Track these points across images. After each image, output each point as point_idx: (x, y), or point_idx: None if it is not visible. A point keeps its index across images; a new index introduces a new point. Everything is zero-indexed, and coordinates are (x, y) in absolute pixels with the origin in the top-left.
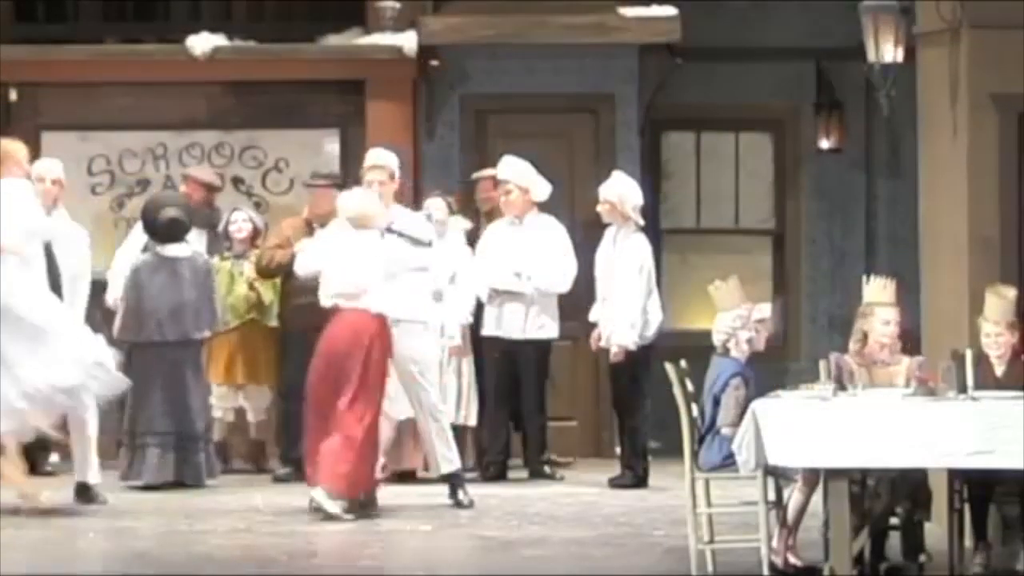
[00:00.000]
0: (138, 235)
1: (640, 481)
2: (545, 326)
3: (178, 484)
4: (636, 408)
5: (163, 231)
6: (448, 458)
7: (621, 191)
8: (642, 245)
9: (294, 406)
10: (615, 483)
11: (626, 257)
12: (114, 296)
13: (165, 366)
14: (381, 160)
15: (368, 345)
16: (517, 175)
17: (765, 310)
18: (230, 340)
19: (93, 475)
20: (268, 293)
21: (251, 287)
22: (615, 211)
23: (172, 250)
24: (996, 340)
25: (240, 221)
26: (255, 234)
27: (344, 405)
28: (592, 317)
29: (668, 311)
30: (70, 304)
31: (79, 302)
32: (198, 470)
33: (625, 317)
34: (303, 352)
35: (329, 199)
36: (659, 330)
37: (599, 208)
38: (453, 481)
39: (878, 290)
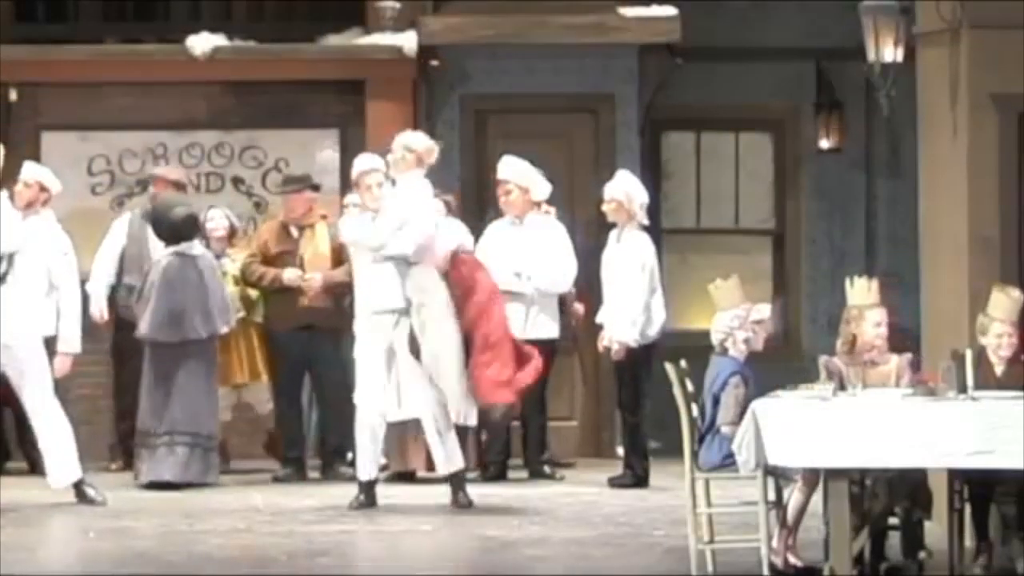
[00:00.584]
0: (112, 244)
1: (640, 481)
2: (544, 326)
3: (186, 484)
4: (637, 407)
5: (179, 229)
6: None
7: (628, 189)
8: (644, 243)
9: (288, 406)
10: (615, 483)
11: (628, 255)
12: (99, 307)
13: (190, 363)
14: (375, 163)
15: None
16: (517, 175)
17: (764, 311)
18: (224, 340)
19: (74, 472)
20: (253, 290)
21: (236, 282)
22: (621, 210)
23: (192, 248)
24: (1008, 341)
25: (217, 219)
26: (232, 232)
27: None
28: (600, 319)
29: (668, 311)
30: (64, 312)
31: (68, 311)
32: (214, 469)
33: (626, 314)
34: (292, 352)
35: (303, 202)
36: (662, 329)
37: (605, 207)
38: (454, 482)
39: (862, 292)
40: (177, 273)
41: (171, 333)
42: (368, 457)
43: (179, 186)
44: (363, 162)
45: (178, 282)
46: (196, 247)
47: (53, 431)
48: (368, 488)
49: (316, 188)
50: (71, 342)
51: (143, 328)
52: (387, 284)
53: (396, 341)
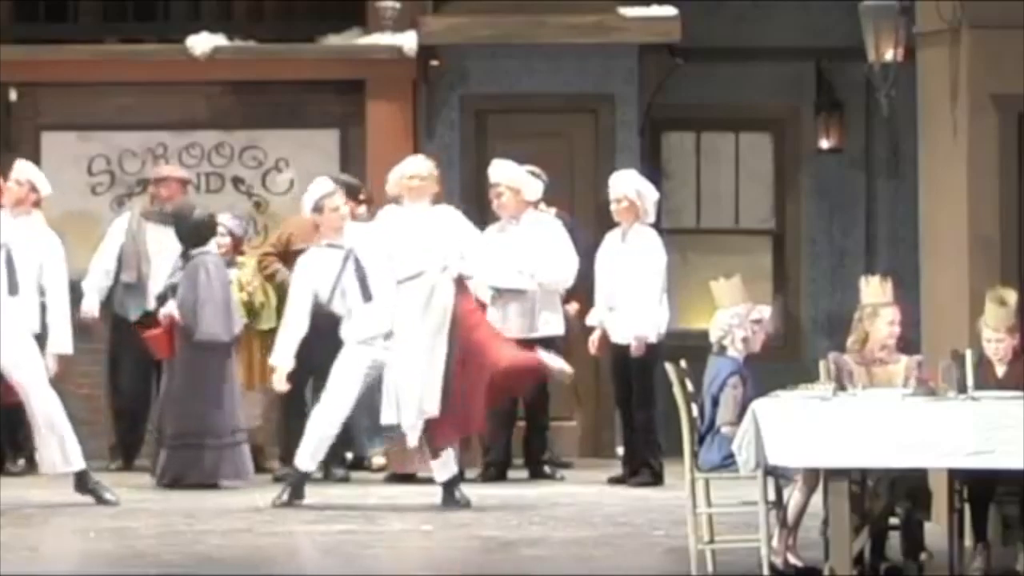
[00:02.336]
0: (111, 243)
1: (657, 478)
2: (549, 323)
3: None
4: (649, 404)
5: (200, 231)
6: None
7: (640, 187)
8: (656, 240)
9: (292, 406)
10: (635, 482)
11: (643, 252)
12: (91, 305)
13: (226, 363)
14: (330, 186)
15: None
16: (507, 177)
17: (764, 311)
18: None
19: (77, 461)
20: (259, 296)
21: (241, 288)
22: (632, 208)
23: (214, 247)
24: (997, 346)
25: (218, 236)
26: (238, 242)
27: None
28: (590, 321)
29: (669, 311)
30: (54, 313)
31: (58, 312)
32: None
33: (646, 310)
34: (299, 351)
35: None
36: (666, 329)
37: (614, 207)
38: (447, 487)
39: (878, 290)
40: (224, 274)
41: (229, 332)
42: (313, 449)
43: (186, 183)
44: (321, 187)
45: (227, 281)
46: (214, 246)
47: (52, 420)
48: (302, 480)
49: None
50: (62, 343)
51: (210, 328)
52: (379, 310)
53: (387, 355)
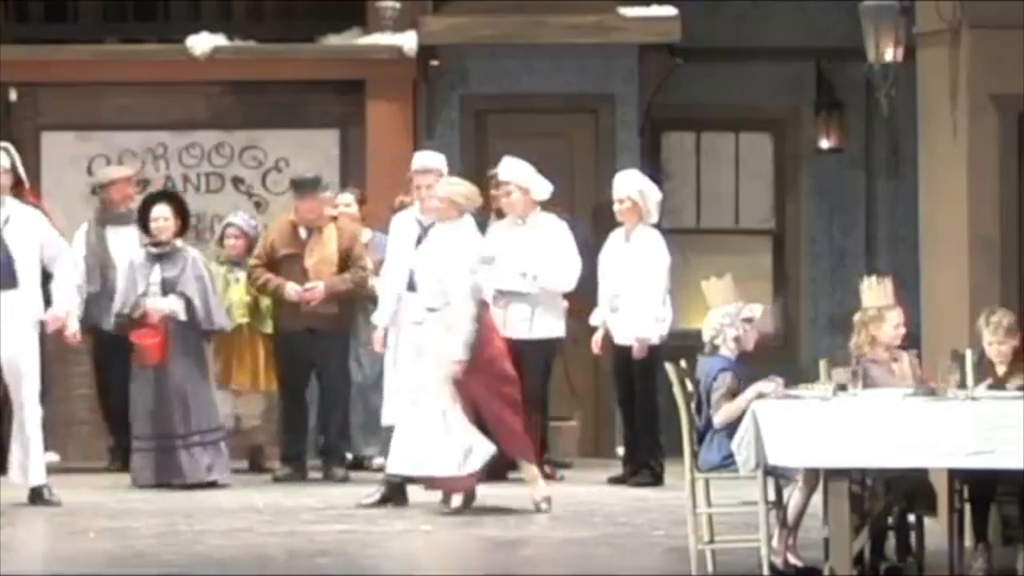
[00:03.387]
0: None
1: (658, 478)
2: (549, 325)
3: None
4: (652, 404)
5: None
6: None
7: (643, 187)
8: (660, 241)
9: (292, 406)
10: (635, 482)
11: (647, 253)
12: (73, 331)
13: (207, 359)
14: (435, 162)
15: None
16: (518, 176)
17: (755, 310)
18: (227, 344)
19: (37, 476)
20: (265, 298)
21: (248, 290)
22: (635, 209)
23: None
24: (999, 348)
25: (232, 238)
26: (251, 243)
27: None
28: (594, 321)
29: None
30: (62, 288)
31: (65, 284)
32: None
33: (649, 311)
34: (298, 352)
35: (316, 205)
36: (669, 330)
37: (617, 207)
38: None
39: (879, 293)
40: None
41: (227, 321)
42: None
43: (131, 179)
44: (421, 160)
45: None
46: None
47: (31, 430)
48: (401, 485)
49: (326, 189)
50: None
51: (219, 319)
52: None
53: (423, 342)
